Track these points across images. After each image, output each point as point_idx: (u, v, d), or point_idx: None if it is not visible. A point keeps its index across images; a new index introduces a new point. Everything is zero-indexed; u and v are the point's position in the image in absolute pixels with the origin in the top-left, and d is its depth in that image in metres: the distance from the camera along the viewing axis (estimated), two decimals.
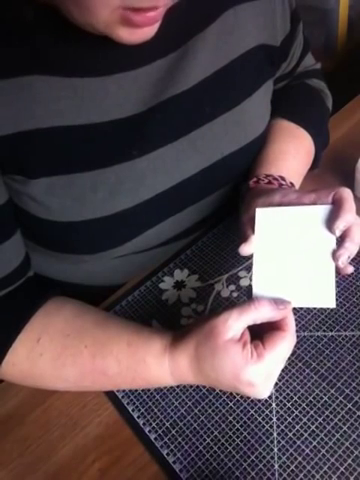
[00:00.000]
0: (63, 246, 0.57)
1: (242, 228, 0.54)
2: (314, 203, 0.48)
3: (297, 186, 0.61)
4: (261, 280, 0.46)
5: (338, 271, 0.47)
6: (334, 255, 0.45)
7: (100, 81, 0.48)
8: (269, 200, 0.51)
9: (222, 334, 0.43)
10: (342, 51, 1.54)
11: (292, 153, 0.63)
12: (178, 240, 0.66)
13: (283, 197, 0.50)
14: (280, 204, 0.50)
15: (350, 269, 0.48)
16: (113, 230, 0.55)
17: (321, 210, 0.46)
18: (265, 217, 0.48)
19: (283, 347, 0.43)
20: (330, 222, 0.45)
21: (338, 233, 0.45)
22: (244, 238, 0.49)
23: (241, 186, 0.61)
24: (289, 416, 0.50)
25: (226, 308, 0.44)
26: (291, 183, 0.58)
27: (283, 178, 0.58)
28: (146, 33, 0.43)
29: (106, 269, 0.65)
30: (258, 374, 0.43)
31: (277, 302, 0.44)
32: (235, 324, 0.43)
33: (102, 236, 0.55)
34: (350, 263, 0.47)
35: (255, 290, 0.46)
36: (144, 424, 0.51)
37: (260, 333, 0.45)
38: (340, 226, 0.44)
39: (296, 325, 0.55)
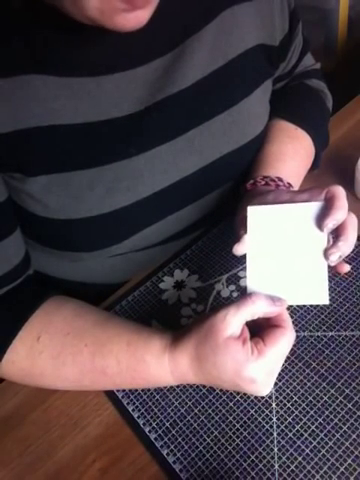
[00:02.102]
0: (61, 243, 0.57)
1: (236, 228, 0.54)
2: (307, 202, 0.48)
3: (296, 187, 0.61)
4: (255, 278, 0.47)
5: (336, 269, 0.47)
6: (326, 253, 0.45)
7: (96, 81, 0.48)
8: (263, 201, 0.51)
9: (222, 331, 0.43)
10: (342, 51, 1.54)
11: (291, 154, 0.63)
12: (178, 239, 0.66)
13: (276, 198, 0.50)
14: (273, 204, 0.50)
15: (346, 267, 0.47)
16: (111, 228, 0.55)
17: (313, 207, 0.46)
18: (257, 215, 0.48)
19: (284, 343, 0.44)
20: (321, 220, 0.45)
21: (326, 231, 0.45)
22: (237, 238, 0.49)
23: (240, 188, 0.61)
24: (289, 416, 0.50)
25: (224, 306, 0.44)
26: (289, 183, 0.58)
27: (281, 179, 0.58)
28: (140, 18, 0.41)
29: (105, 267, 0.65)
30: (259, 370, 0.43)
31: (273, 298, 0.44)
32: (233, 320, 0.43)
33: (100, 234, 0.56)
34: (349, 262, 0.47)
35: (250, 287, 0.46)
36: (144, 424, 0.51)
37: (258, 332, 0.45)
38: (329, 224, 0.44)
39: (296, 325, 0.56)
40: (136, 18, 0.41)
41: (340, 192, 0.46)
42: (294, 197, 0.49)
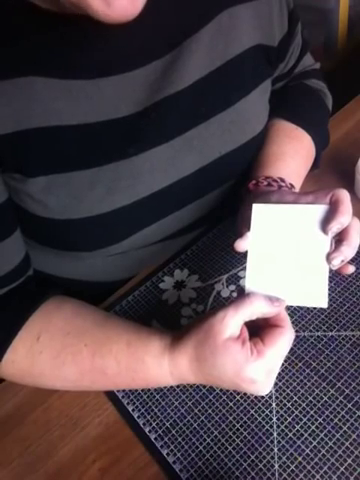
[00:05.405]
0: (61, 243, 0.57)
1: (238, 227, 0.54)
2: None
3: (297, 187, 0.61)
4: (254, 276, 0.46)
5: (340, 270, 0.47)
6: (328, 256, 0.45)
7: (95, 83, 0.48)
8: (266, 201, 0.51)
9: (221, 333, 0.43)
10: (342, 51, 1.54)
11: (291, 154, 0.63)
12: (177, 237, 0.66)
13: (280, 198, 0.50)
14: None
15: (351, 269, 0.47)
16: (111, 227, 0.55)
17: (318, 210, 0.46)
18: (261, 213, 0.48)
19: (283, 343, 0.44)
20: (325, 223, 0.45)
21: (331, 235, 0.45)
22: (239, 234, 0.49)
23: (241, 188, 0.61)
24: (289, 416, 0.50)
25: (223, 307, 0.44)
26: (291, 184, 0.58)
27: (283, 179, 0.58)
28: (125, 8, 0.39)
29: (105, 265, 0.65)
30: (259, 371, 0.43)
31: (272, 299, 0.44)
32: (232, 321, 0.43)
33: (100, 233, 0.56)
34: (351, 263, 0.47)
35: (248, 286, 0.46)
36: (144, 424, 0.51)
37: (257, 331, 0.45)
38: (333, 228, 0.44)
39: (296, 325, 0.56)
40: (121, 8, 0.38)
41: (345, 196, 0.46)
42: (298, 199, 0.49)
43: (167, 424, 0.51)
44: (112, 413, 0.53)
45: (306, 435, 0.48)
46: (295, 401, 0.50)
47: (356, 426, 0.48)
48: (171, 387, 0.53)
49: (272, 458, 0.47)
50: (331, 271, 0.46)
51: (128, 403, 0.53)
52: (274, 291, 0.45)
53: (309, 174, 0.67)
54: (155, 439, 0.50)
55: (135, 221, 0.57)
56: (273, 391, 0.51)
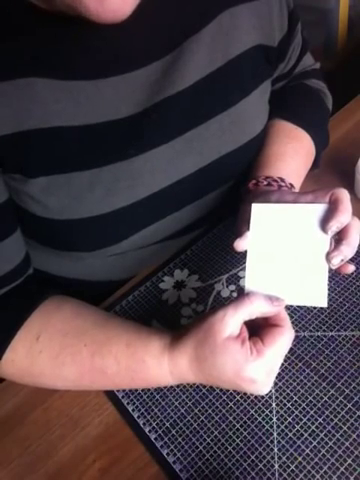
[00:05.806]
0: (61, 244, 0.57)
1: (238, 227, 0.54)
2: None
3: (297, 187, 0.61)
4: (254, 276, 0.46)
5: (340, 270, 0.47)
6: (328, 256, 0.45)
7: (96, 84, 0.48)
8: (266, 201, 0.51)
9: (220, 332, 0.43)
10: (342, 51, 1.54)
11: (291, 154, 0.63)
12: (177, 237, 0.66)
13: (280, 198, 0.50)
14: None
15: (351, 268, 0.47)
16: (111, 228, 0.56)
17: (317, 209, 0.46)
18: (261, 213, 0.48)
19: (282, 342, 0.44)
20: (325, 222, 0.45)
21: (330, 234, 0.45)
22: (239, 234, 0.49)
23: (241, 188, 0.62)
24: (289, 416, 0.50)
25: (222, 306, 0.44)
26: (291, 184, 0.58)
27: (282, 179, 0.58)
28: (119, 7, 0.39)
29: (105, 265, 0.65)
30: (259, 370, 0.43)
31: (271, 298, 0.44)
32: (231, 320, 0.43)
33: (100, 234, 0.56)
34: (351, 262, 0.47)
35: (248, 286, 0.46)
36: (144, 424, 0.51)
37: (257, 331, 0.45)
38: (333, 227, 0.44)
39: (296, 325, 0.56)
40: (113, 4, 0.39)
41: (344, 195, 0.46)
42: (298, 198, 0.49)
43: (167, 424, 0.51)
44: (112, 413, 0.53)
45: (306, 435, 0.48)
46: (295, 401, 0.50)
47: (356, 426, 0.48)
48: (171, 387, 0.53)
49: (272, 458, 0.47)
50: (331, 271, 0.46)
51: (128, 403, 0.53)
52: (274, 291, 0.46)
53: (309, 174, 0.67)
54: (155, 439, 0.50)
55: (135, 222, 0.57)
56: (273, 391, 0.51)
